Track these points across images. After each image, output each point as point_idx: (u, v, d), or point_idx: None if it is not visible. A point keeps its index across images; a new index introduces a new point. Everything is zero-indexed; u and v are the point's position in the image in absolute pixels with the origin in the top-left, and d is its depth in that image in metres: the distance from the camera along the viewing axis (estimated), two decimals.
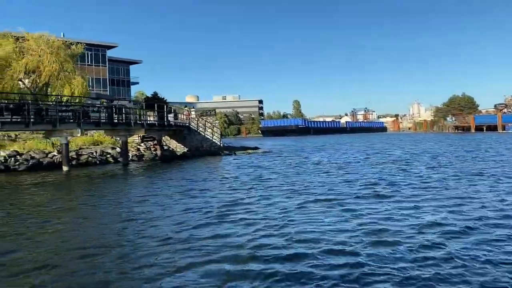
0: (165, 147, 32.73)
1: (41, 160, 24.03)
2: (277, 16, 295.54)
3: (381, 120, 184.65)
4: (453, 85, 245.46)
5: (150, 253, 6.76)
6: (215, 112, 37.51)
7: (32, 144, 26.80)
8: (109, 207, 11.27)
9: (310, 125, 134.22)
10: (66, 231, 8.67)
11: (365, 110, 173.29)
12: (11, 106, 19.27)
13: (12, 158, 23.52)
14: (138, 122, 25.14)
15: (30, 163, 23.45)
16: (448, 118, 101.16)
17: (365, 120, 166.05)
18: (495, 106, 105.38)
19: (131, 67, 76.88)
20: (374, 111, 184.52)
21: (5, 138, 27.93)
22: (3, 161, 23.18)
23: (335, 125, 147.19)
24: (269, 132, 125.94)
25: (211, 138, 33.80)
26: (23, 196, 13.78)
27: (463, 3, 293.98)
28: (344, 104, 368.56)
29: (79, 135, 21.88)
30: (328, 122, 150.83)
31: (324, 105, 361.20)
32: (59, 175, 20.74)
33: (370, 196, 11.80)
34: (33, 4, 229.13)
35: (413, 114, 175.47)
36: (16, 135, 28.78)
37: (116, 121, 24.01)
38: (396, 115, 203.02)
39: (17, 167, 23.03)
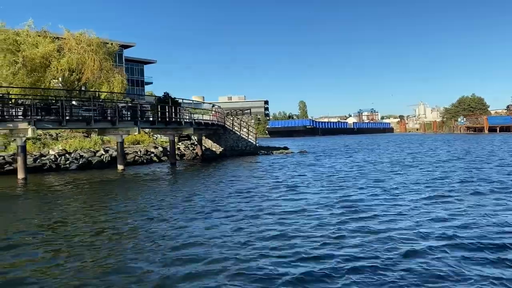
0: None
1: (90, 159, 23.81)
2: (280, 18, 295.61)
3: (386, 121, 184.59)
4: (457, 86, 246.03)
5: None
6: (250, 111, 37.17)
7: (75, 142, 26.58)
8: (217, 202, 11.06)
9: (317, 126, 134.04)
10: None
11: (371, 111, 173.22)
12: (72, 102, 18.97)
13: (62, 157, 23.29)
14: (187, 121, 24.89)
15: (80, 162, 23.22)
16: (459, 119, 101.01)
17: (371, 121, 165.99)
18: (507, 107, 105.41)
19: (145, 66, 76.66)
20: (378, 112, 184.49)
21: (47, 137, 27.68)
22: (53, 159, 22.95)
23: (342, 126, 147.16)
24: (276, 133, 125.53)
25: (246, 138, 33.56)
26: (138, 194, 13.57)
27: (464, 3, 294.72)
28: (347, 105, 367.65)
29: (136, 133, 21.66)
30: (335, 122, 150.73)
31: (328, 105, 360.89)
32: (114, 174, 20.59)
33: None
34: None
35: (418, 115, 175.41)
36: (57, 134, 28.53)
37: (167, 119, 23.75)
38: (401, 116, 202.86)
39: (68, 166, 22.81)
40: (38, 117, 17.50)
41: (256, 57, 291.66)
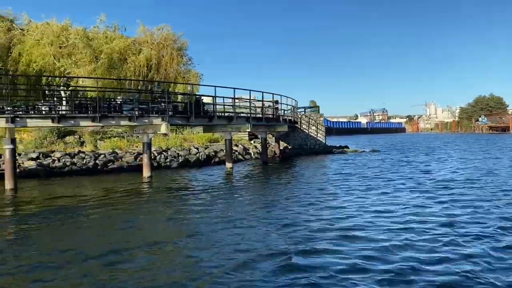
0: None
1: (186, 157, 23.29)
2: (287, 16, 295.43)
3: (395, 121, 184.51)
4: (462, 86, 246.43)
5: None
6: (318, 109, 36.75)
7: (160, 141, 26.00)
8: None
9: (332, 126, 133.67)
10: None
11: (383, 111, 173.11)
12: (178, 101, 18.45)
13: (162, 155, 22.78)
14: (284, 118, 24.49)
15: (179, 160, 22.72)
16: (480, 119, 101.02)
17: (382, 121, 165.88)
18: None
19: None
20: (387, 112, 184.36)
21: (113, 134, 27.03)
22: (153, 157, 22.40)
23: (356, 126, 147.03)
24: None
25: (315, 136, 33.10)
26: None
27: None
28: (350, 105, 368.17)
29: (248, 130, 21.18)
30: (348, 122, 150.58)
31: (330, 105, 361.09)
32: (225, 171, 20.14)
33: None
34: None
35: (429, 115, 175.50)
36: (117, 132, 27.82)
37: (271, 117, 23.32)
38: (409, 116, 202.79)
39: (168, 164, 22.32)
40: (170, 113, 17.02)
41: (259, 57, 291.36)
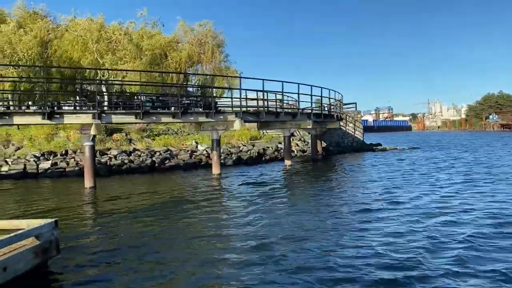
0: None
1: (238, 154, 22.96)
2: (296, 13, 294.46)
3: (399, 119, 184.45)
4: (465, 84, 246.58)
5: None
6: (355, 105, 36.43)
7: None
8: None
9: None
10: None
11: (389, 109, 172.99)
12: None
13: None
14: (337, 115, 24.13)
15: (233, 157, 22.37)
16: (491, 116, 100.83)
17: (388, 119, 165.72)
18: None
19: None
20: (392, 110, 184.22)
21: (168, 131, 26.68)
22: (206, 155, 22.04)
23: (363, 124, 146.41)
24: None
25: (353, 134, 32.78)
26: None
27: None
28: (358, 103, 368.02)
29: (309, 126, 20.83)
30: None
31: None
32: (284, 167, 19.82)
33: None
34: None
35: (434, 113, 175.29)
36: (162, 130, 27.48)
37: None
38: (413, 114, 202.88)
39: (223, 161, 21.85)
40: (243, 110, 16.69)
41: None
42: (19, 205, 11.57)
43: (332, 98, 23.32)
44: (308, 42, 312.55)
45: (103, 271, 5.88)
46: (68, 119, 13.45)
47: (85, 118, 13.24)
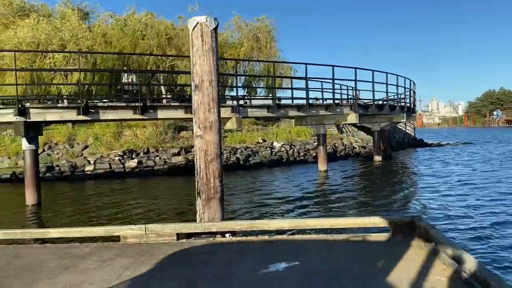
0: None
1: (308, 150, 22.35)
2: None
3: None
4: (463, 82, 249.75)
5: None
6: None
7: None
8: None
9: None
10: None
11: None
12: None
13: (290, 150, 21.82)
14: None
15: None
16: (495, 112, 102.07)
17: None
18: None
19: None
20: None
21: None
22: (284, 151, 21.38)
23: None
24: None
25: (404, 129, 32.37)
26: None
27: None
28: None
29: (403, 120, 20.22)
30: None
31: None
32: (374, 164, 19.31)
33: None
34: None
35: (432, 110, 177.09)
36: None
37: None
38: None
39: (302, 158, 21.33)
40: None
41: None
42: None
43: (406, 88, 21.02)
44: None
45: None
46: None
47: (224, 112, 12.38)
